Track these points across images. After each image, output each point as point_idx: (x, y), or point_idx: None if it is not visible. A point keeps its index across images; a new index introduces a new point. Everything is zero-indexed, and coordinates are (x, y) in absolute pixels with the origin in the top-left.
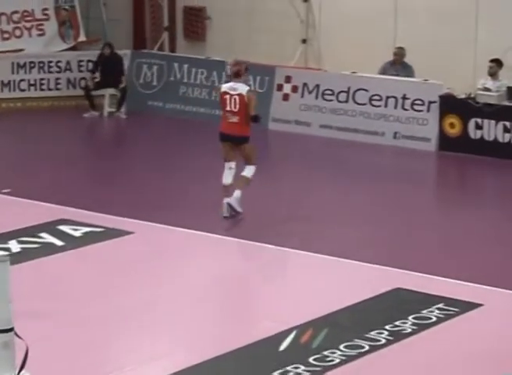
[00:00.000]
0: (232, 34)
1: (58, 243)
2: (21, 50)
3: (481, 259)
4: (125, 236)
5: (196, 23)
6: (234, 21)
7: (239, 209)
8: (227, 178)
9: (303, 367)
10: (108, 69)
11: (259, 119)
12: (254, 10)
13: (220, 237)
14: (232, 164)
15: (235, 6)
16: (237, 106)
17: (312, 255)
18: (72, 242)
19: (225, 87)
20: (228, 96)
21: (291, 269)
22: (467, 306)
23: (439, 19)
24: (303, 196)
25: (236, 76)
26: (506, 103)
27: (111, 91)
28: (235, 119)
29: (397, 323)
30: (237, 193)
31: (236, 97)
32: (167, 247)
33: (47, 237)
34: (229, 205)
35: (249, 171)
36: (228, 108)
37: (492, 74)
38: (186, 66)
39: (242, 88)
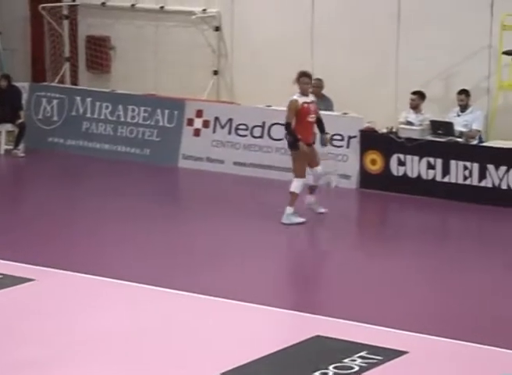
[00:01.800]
0: (139, 66)
1: None
2: None
3: (404, 304)
4: (24, 283)
5: (100, 53)
6: (141, 51)
7: (298, 220)
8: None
9: None
10: (5, 103)
11: (287, 129)
12: (163, 39)
13: (128, 283)
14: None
15: (142, 36)
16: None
17: (225, 301)
18: None
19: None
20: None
21: (202, 316)
22: (392, 354)
23: (359, 48)
24: (214, 240)
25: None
26: (430, 138)
27: (8, 126)
28: None
29: (317, 373)
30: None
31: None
32: (70, 295)
33: None
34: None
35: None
36: None
37: (415, 107)
38: (89, 99)
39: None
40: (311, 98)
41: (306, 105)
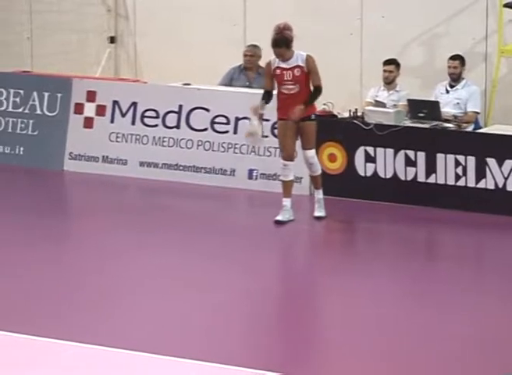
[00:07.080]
0: (6, 33)
1: None
2: None
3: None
4: None
5: None
6: (6, 15)
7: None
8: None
9: None
10: None
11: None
12: None
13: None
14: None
15: None
16: None
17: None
18: None
19: None
20: None
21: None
22: None
23: (310, 5)
24: (118, 269)
25: None
26: (409, 123)
27: None
28: None
29: None
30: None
31: None
32: None
33: None
34: None
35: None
36: None
37: (390, 82)
38: None
39: None
40: (293, 62)
41: (279, 70)
